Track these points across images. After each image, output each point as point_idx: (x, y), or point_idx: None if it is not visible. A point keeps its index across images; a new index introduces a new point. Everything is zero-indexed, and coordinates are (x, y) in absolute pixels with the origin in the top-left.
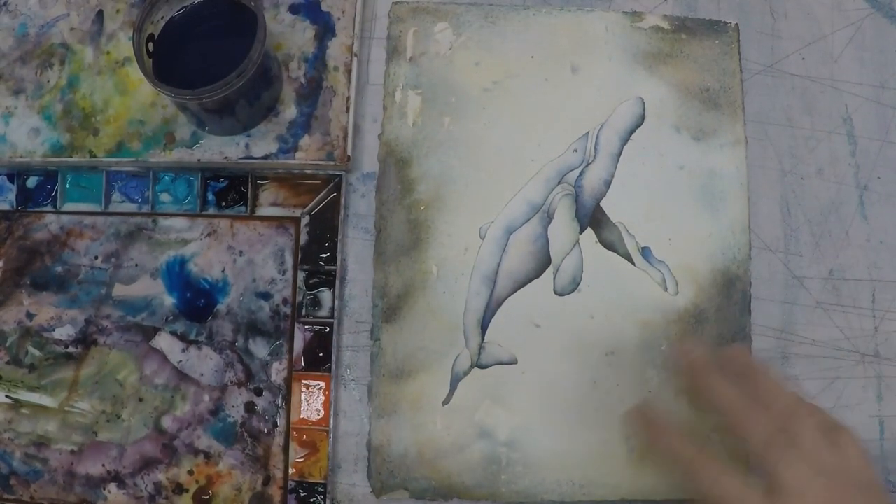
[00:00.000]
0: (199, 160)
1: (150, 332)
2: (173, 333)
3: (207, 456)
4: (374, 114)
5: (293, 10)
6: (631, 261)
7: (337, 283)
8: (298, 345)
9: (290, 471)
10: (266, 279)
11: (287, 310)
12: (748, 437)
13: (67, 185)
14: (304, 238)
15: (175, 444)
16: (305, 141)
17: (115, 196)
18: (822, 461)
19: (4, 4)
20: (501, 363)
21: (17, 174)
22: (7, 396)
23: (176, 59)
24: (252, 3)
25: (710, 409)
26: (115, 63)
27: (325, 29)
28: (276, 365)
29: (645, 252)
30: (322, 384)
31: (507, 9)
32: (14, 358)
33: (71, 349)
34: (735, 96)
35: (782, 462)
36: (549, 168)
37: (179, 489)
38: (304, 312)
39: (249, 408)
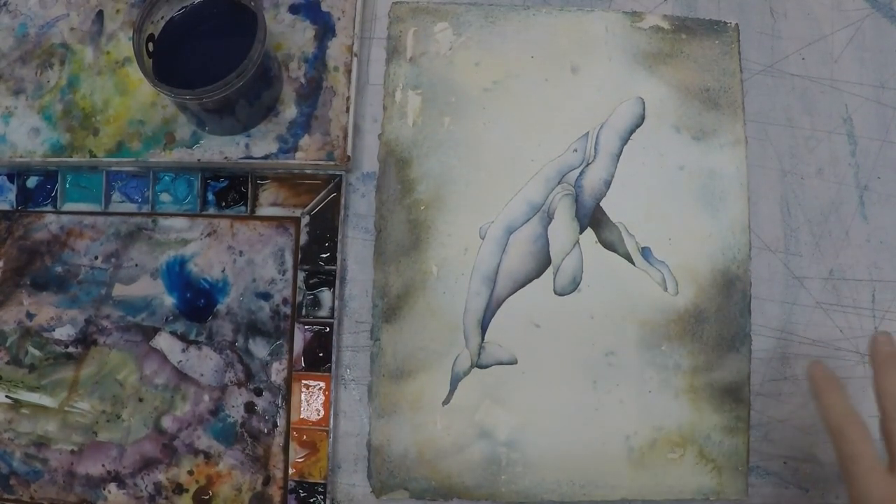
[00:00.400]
0: (199, 160)
1: (150, 332)
2: (173, 333)
3: (207, 456)
4: (374, 114)
5: (293, 10)
6: (631, 261)
7: (337, 283)
8: (298, 345)
9: (290, 471)
10: (266, 279)
11: (287, 310)
12: (893, 421)
13: (67, 185)
14: (304, 238)
15: (175, 444)
16: (305, 141)
17: (115, 196)
18: None
19: (4, 4)
20: (501, 363)
21: (17, 174)
22: (7, 396)
23: (176, 59)
24: (252, 3)
25: (880, 390)
26: (115, 63)
27: (325, 29)
28: (276, 365)
29: (645, 252)
30: (322, 384)
31: (507, 9)
32: (14, 358)
33: (71, 349)
34: (735, 96)
35: None
36: (549, 168)
37: (179, 489)
38: (304, 312)
39: (249, 408)
